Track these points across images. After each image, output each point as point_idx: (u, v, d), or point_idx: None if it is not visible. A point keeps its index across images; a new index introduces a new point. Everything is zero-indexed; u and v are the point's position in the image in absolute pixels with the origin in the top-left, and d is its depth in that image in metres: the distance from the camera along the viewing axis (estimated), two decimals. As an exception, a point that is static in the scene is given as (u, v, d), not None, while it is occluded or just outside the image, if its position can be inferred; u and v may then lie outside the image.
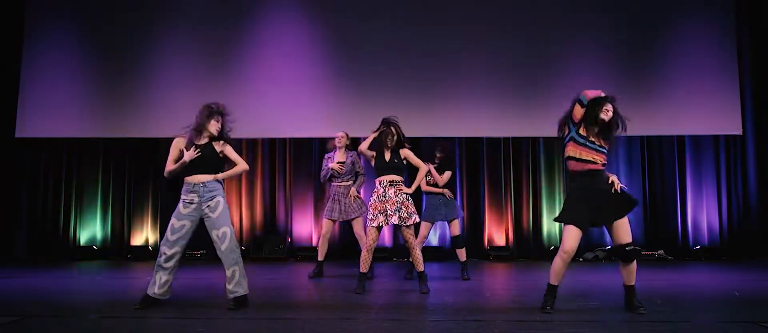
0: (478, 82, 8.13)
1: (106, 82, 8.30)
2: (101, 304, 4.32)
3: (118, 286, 5.51)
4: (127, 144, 8.42)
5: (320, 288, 5.21)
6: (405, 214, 4.67)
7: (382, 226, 4.72)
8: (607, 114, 3.69)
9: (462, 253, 5.77)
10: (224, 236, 3.90)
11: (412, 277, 5.59)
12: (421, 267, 4.78)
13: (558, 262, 3.76)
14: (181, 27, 8.40)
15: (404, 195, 4.74)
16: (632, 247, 3.68)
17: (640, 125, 8.06)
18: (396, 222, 4.64)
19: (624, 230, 3.68)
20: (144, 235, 8.47)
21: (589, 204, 3.67)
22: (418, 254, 4.76)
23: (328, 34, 8.32)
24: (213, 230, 3.93)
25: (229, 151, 4.09)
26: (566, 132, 3.82)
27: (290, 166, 8.50)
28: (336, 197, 5.84)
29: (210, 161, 3.98)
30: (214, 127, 4.01)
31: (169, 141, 4.15)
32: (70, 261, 7.93)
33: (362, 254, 4.77)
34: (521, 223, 8.38)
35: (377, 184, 4.79)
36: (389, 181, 4.75)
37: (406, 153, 4.86)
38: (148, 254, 8.10)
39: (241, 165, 4.13)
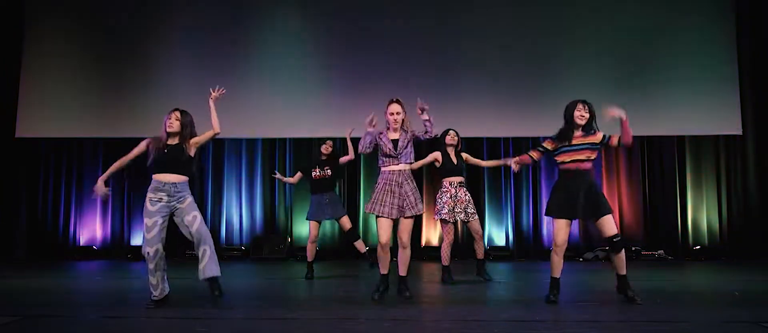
0: (479, 82, 8.13)
1: (106, 82, 8.30)
2: (101, 304, 4.31)
3: (118, 286, 5.50)
4: (127, 144, 8.35)
5: (320, 288, 5.21)
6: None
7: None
8: (581, 119, 3.95)
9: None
10: (195, 219, 3.96)
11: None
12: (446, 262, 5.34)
13: (554, 257, 4.15)
14: (181, 27, 8.40)
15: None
16: (619, 238, 3.94)
17: (640, 125, 8.06)
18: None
19: (609, 224, 3.93)
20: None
21: (568, 196, 3.97)
22: (445, 251, 5.34)
23: (329, 35, 8.31)
24: (184, 216, 3.96)
25: (196, 140, 4.12)
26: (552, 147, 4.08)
27: (290, 166, 8.50)
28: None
29: (175, 161, 4.02)
30: (167, 126, 4.07)
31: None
32: (70, 261, 7.92)
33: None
34: (521, 223, 8.38)
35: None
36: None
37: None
38: (148, 254, 8.09)
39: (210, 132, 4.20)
